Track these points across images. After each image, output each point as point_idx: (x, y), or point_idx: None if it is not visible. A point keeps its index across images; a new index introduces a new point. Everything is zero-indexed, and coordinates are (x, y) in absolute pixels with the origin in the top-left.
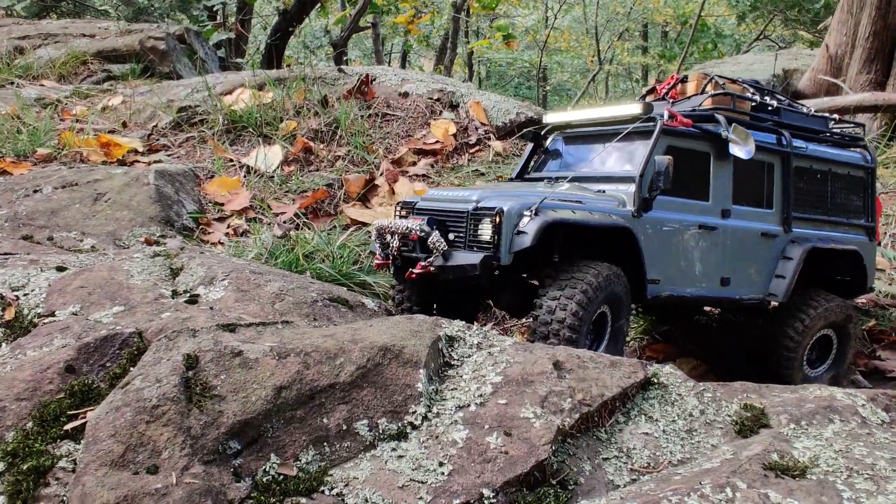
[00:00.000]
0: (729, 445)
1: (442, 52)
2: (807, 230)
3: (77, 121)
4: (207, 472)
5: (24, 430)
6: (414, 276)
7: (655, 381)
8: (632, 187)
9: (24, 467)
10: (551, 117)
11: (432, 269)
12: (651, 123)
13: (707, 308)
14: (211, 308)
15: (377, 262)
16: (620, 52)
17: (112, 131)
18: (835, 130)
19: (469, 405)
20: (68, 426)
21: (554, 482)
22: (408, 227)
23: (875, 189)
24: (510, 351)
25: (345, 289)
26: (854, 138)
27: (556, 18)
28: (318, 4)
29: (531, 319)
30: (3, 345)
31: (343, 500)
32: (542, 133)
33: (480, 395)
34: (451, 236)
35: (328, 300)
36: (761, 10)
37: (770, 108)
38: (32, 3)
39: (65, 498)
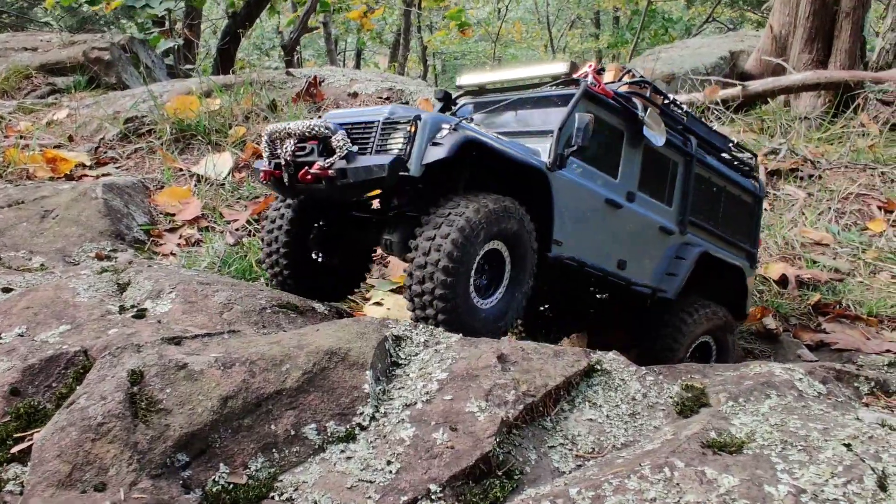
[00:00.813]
0: (670, 426)
1: (395, 48)
2: (699, 238)
3: (21, 137)
4: (156, 486)
5: None
6: (309, 177)
7: (599, 367)
8: (548, 142)
9: None
10: (465, 79)
11: (331, 172)
12: (573, 88)
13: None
14: (158, 321)
15: (262, 172)
16: (572, 40)
17: (58, 146)
18: (732, 152)
19: (416, 403)
20: (14, 449)
21: (500, 473)
22: (308, 126)
23: (761, 219)
24: (456, 347)
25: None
26: (747, 164)
27: (507, 10)
28: (268, 5)
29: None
30: None
31: (293, 503)
32: (454, 97)
33: (427, 393)
34: (356, 149)
35: (277, 307)
36: None
37: (680, 109)
38: None
39: None
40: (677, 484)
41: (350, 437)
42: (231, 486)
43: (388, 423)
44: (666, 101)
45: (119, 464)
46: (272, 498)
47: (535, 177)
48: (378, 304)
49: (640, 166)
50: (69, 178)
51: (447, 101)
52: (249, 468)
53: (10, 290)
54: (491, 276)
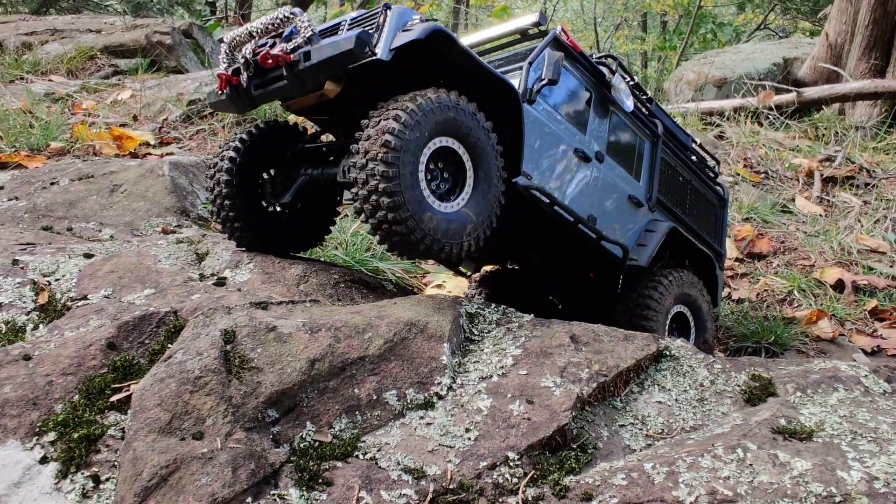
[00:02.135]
0: (738, 413)
1: None
2: (667, 219)
3: (88, 115)
4: (249, 438)
5: (71, 403)
6: (270, 60)
7: (667, 353)
8: (517, 78)
9: (76, 436)
10: None
11: (293, 56)
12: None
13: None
14: (238, 289)
15: (219, 80)
16: (619, 41)
17: (123, 125)
18: (697, 151)
19: (491, 376)
20: (113, 398)
21: (574, 446)
22: (269, 18)
23: (726, 223)
24: (528, 326)
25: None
26: (710, 169)
27: (555, 11)
28: None
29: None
30: (41, 326)
31: (377, 463)
32: None
33: (502, 367)
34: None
35: (350, 282)
36: (761, 0)
37: (646, 96)
38: None
39: (116, 462)
40: (750, 464)
41: (429, 405)
42: (317, 443)
43: (465, 394)
44: (632, 83)
45: (215, 415)
46: (356, 457)
47: (505, 97)
48: (439, 286)
49: (608, 132)
50: (134, 155)
51: None
52: (334, 428)
53: (92, 255)
54: (453, 180)
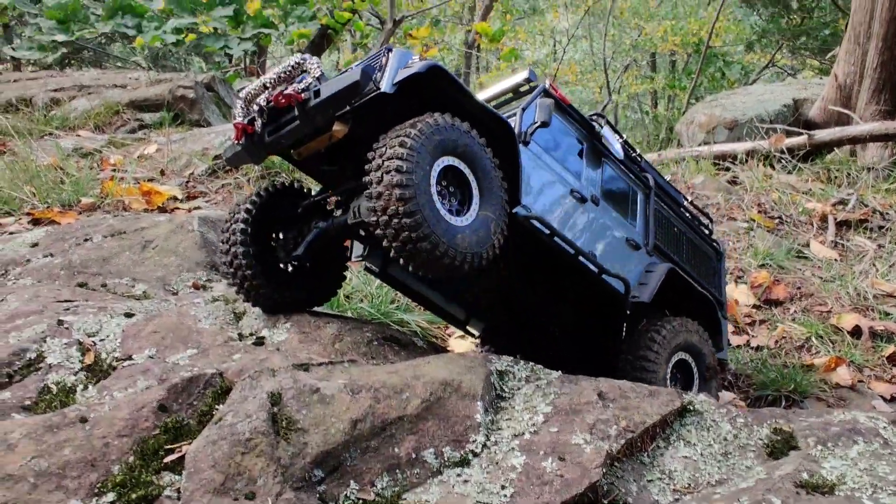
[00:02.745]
0: (762, 466)
1: None
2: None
3: (116, 170)
4: (298, 498)
5: (128, 464)
6: (283, 100)
7: (691, 408)
8: (513, 122)
9: (134, 496)
10: None
11: (304, 95)
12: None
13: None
14: (277, 349)
15: (235, 130)
16: (629, 82)
17: (151, 179)
18: (690, 208)
19: (524, 433)
20: (167, 459)
21: (605, 502)
22: (281, 68)
23: (725, 274)
24: (556, 383)
25: (395, 327)
26: (705, 226)
27: (565, 52)
28: (330, 44)
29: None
30: (90, 387)
31: None
32: None
33: (533, 424)
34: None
35: (382, 339)
36: (769, 39)
37: (635, 151)
38: (51, 49)
39: None
40: None
41: (465, 463)
42: (361, 501)
43: (499, 451)
44: (621, 140)
45: (266, 475)
46: None
47: (501, 133)
48: (462, 336)
49: (602, 181)
50: (162, 210)
51: None
52: (376, 486)
53: (132, 315)
54: (461, 196)
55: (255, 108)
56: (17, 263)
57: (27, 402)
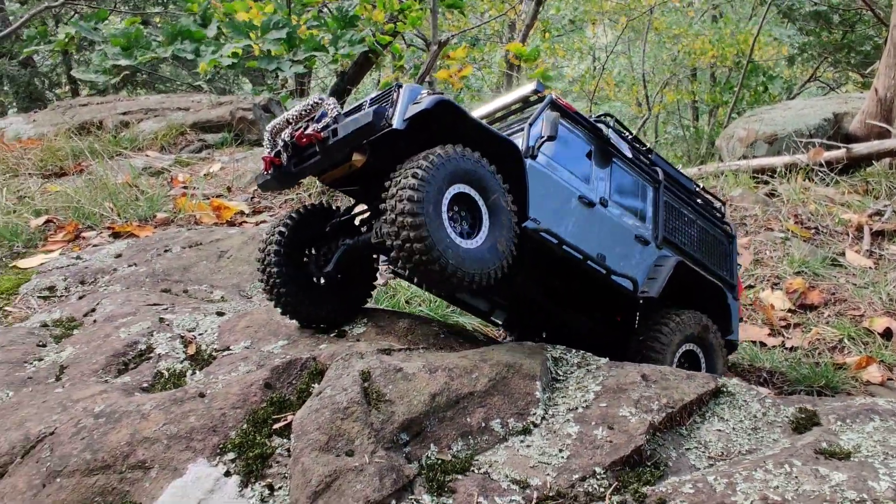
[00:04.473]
0: (787, 439)
1: None
2: (676, 255)
3: (185, 187)
4: (388, 456)
5: (243, 430)
6: (304, 140)
7: (725, 390)
8: (519, 138)
9: (251, 455)
10: None
11: (323, 134)
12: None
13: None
14: (357, 340)
15: (264, 163)
16: (668, 96)
17: (219, 195)
18: (702, 194)
19: (577, 408)
20: (275, 426)
21: (649, 464)
22: (303, 106)
23: (736, 258)
24: (604, 368)
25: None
26: (717, 210)
27: (604, 69)
28: (372, 65)
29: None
30: (196, 372)
31: (489, 476)
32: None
33: (585, 401)
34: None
35: (447, 333)
36: (810, 53)
37: (644, 146)
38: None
39: (286, 475)
40: (796, 477)
41: (527, 431)
42: (440, 461)
43: (555, 422)
44: (631, 137)
45: (362, 437)
46: (472, 471)
47: (508, 154)
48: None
49: (611, 181)
50: (231, 224)
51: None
52: (452, 449)
53: (223, 313)
54: (472, 220)
55: (280, 142)
56: (104, 272)
57: (145, 385)
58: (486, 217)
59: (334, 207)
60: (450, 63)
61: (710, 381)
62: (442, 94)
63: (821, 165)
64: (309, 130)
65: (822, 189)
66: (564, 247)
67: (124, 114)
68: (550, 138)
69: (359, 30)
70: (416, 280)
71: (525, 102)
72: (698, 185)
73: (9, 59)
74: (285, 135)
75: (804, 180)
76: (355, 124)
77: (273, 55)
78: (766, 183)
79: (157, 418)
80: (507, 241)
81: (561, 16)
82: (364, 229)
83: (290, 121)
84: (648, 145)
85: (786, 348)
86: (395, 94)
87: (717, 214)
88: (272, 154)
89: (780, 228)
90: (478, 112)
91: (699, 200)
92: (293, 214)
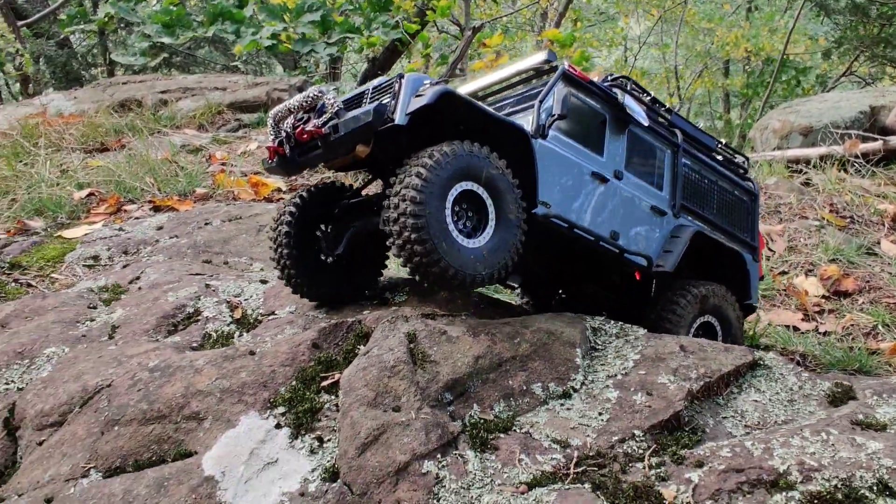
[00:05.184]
0: (823, 411)
1: None
2: (695, 223)
3: (223, 164)
4: (433, 413)
5: (292, 386)
6: (305, 135)
7: (761, 363)
8: (530, 115)
9: (300, 409)
10: (460, 88)
11: (324, 129)
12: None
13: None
14: (399, 306)
15: (268, 151)
16: (697, 85)
17: (256, 173)
18: (723, 153)
19: (616, 375)
20: (323, 384)
21: (687, 429)
22: (303, 96)
23: (758, 216)
24: (643, 338)
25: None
26: (739, 166)
27: (636, 59)
28: (401, 54)
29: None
30: (244, 334)
31: (531, 435)
32: None
33: (624, 368)
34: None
35: (487, 303)
36: (847, 47)
37: (664, 106)
38: (151, 55)
39: (334, 428)
40: (833, 444)
41: (567, 395)
42: (482, 420)
43: (595, 388)
44: (649, 98)
45: (408, 394)
46: (514, 431)
47: (516, 138)
48: None
49: (626, 149)
50: (268, 200)
51: None
52: (494, 409)
53: (267, 281)
54: (477, 218)
55: (284, 132)
56: (146, 243)
57: (194, 344)
58: (492, 214)
59: (347, 185)
60: (484, 52)
61: (747, 353)
62: (446, 81)
63: (857, 157)
64: (310, 126)
65: (857, 180)
66: (575, 230)
67: (163, 92)
68: (561, 117)
69: (394, 12)
70: (417, 278)
71: (537, 72)
72: (720, 142)
73: (46, 40)
74: (287, 124)
75: (839, 171)
76: (356, 122)
77: (307, 38)
78: (801, 172)
79: (209, 373)
80: (512, 239)
81: (594, 6)
82: (375, 209)
83: (292, 110)
84: (668, 105)
85: (819, 333)
86: (396, 85)
87: (740, 171)
88: (276, 143)
89: (815, 217)
90: (487, 80)
91: (720, 158)
92: (303, 193)
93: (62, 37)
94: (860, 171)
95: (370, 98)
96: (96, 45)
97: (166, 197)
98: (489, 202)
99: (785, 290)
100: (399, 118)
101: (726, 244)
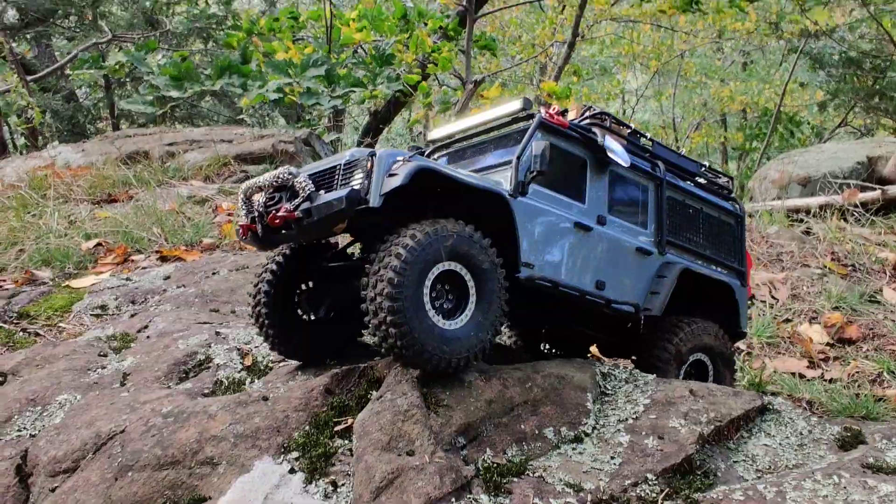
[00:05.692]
0: (833, 455)
1: None
2: (681, 258)
3: (229, 215)
4: (447, 457)
5: (305, 431)
6: (277, 220)
7: (770, 407)
8: (508, 172)
9: (315, 453)
10: (435, 133)
11: (297, 213)
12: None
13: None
14: None
15: (240, 227)
16: (696, 137)
17: None
18: (707, 176)
19: (627, 419)
20: (336, 428)
21: (699, 472)
22: (274, 175)
23: (745, 238)
24: (652, 384)
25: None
26: (724, 188)
27: (633, 112)
28: (404, 106)
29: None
30: (255, 381)
31: (544, 479)
32: (427, 153)
33: (635, 412)
34: (323, 192)
35: (494, 347)
36: (842, 99)
37: (645, 137)
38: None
39: (348, 472)
40: (844, 487)
41: (578, 439)
42: (496, 464)
43: (606, 432)
44: (629, 131)
45: (422, 438)
46: (527, 475)
47: (496, 203)
48: None
49: (608, 191)
50: None
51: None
52: (507, 453)
53: None
54: (457, 299)
55: (255, 210)
56: (154, 293)
57: (206, 391)
58: (473, 293)
59: (330, 243)
60: (483, 103)
61: (756, 398)
62: (421, 151)
63: (856, 206)
64: (282, 212)
65: (857, 229)
66: (560, 288)
67: (170, 144)
68: (541, 173)
69: (397, 65)
70: (392, 357)
71: (513, 118)
72: (703, 165)
73: (53, 94)
74: (258, 203)
75: (839, 220)
76: (329, 209)
77: (312, 91)
78: (802, 221)
79: (223, 418)
80: (494, 317)
81: (592, 60)
82: (355, 267)
83: (262, 187)
84: (649, 135)
85: (825, 380)
86: (368, 164)
87: (724, 192)
88: (248, 220)
89: (817, 265)
90: (460, 125)
91: (703, 181)
92: (285, 252)
93: (69, 91)
94: (860, 220)
95: (342, 174)
96: (102, 99)
97: (173, 247)
98: (470, 282)
99: (789, 338)
100: (373, 200)
101: (714, 277)
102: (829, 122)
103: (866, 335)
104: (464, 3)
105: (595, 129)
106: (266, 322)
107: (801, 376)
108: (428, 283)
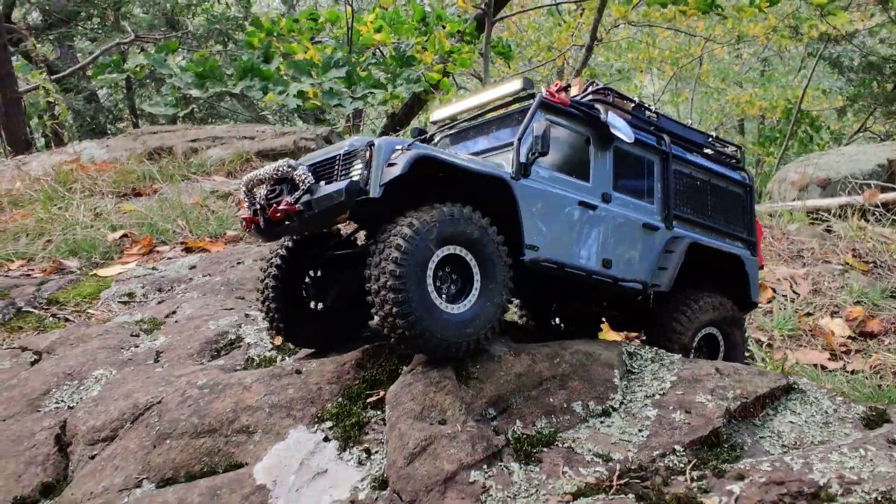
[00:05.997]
0: (859, 432)
1: None
2: (689, 231)
3: None
4: (478, 427)
5: (338, 402)
6: (279, 214)
7: (796, 387)
8: (510, 154)
9: (348, 423)
10: (436, 114)
11: (298, 206)
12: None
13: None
14: None
15: (244, 220)
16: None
17: None
18: (715, 146)
19: (654, 395)
20: (369, 400)
21: (726, 445)
22: (274, 168)
23: (754, 208)
24: (678, 362)
25: None
26: (732, 157)
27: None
28: (422, 108)
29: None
30: (286, 358)
31: (573, 450)
32: (430, 135)
33: (661, 389)
34: (323, 183)
35: (515, 328)
36: (862, 104)
37: (649, 110)
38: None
39: (381, 441)
40: (871, 460)
41: (606, 413)
42: (525, 435)
43: (634, 407)
44: (634, 105)
45: (453, 408)
46: (557, 445)
47: (497, 186)
48: None
49: (613, 168)
50: None
51: (421, 138)
52: (536, 425)
53: None
54: (462, 282)
55: (257, 203)
56: (181, 281)
57: (238, 367)
58: (477, 276)
59: (335, 231)
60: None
61: (781, 378)
62: (423, 134)
63: (877, 206)
64: (283, 205)
65: (878, 228)
66: (566, 269)
67: (193, 141)
68: (542, 154)
69: (417, 67)
70: (401, 348)
71: (515, 98)
72: (710, 136)
73: (75, 94)
74: (259, 195)
75: (860, 220)
76: (329, 201)
77: (334, 91)
78: (822, 220)
79: (258, 390)
80: (500, 298)
81: (609, 64)
82: (364, 248)
83: (263, 180)
84: (654, 109)
85: (847, 372)
86: (367, 154)
87: (732, 162)
88: (251, 213)
89: (838, 262)
90: (462, 106)
91: (710, 152)
92: (288, 244)
93: (90, 91)
94: (880, 219)
95: (342, 165)
96: (123, 100)
97: (198, 238)
98: (473, 264)
99: (811, 331)
100: (373, 191)
101: (723, 249)
102: (849, 127)
103: (888, 329)
104: (482, 7)
105: (598, 106)
106: (275, 315)
107: (823, 368)
108: (430, 270)
